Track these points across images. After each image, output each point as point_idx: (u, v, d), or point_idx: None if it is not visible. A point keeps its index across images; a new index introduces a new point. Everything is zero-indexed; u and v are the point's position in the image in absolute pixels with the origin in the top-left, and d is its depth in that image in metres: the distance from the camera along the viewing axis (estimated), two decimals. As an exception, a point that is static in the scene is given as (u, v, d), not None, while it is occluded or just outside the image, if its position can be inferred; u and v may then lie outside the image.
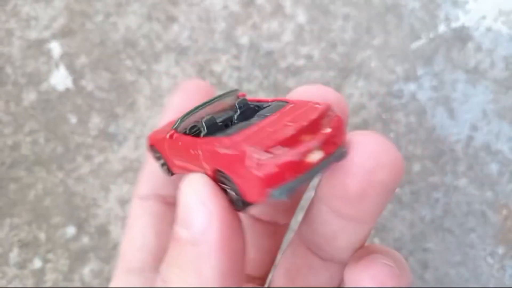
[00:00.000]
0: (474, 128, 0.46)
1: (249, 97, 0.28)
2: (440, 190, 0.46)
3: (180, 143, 0.26)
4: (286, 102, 0.26)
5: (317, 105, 0.24)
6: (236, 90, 0.28)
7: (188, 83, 0.35)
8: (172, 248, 0.24)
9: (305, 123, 0.22)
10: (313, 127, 0.22)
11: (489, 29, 0.47)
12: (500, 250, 0.45)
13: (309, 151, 0.21)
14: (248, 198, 0.22)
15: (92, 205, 0.46)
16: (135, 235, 0.32)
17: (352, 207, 0.25)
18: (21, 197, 0.46)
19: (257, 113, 0.27)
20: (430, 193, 0.46)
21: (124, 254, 0.32)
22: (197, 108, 0.27)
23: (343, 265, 0.29)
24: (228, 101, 0.28)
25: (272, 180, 0.21)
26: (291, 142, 0.21)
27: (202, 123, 0.25)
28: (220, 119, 0.26)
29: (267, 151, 0.21)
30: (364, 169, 0.23)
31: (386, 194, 0.24)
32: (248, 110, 0.27)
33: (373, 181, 0.23)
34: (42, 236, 0.45)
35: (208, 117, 0.25)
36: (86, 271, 0.46)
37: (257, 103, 0.27)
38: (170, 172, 0.29)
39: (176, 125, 0.27)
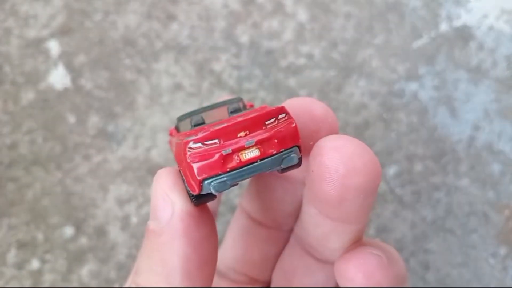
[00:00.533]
0: (476, 127, 0.46)
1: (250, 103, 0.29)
2: (441, 190, 0.46)
3: (175, 139, 0.26)
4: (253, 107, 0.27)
5: (271, 108, 0.24)
6: (239, 98, 0.28)
7: None
8: (144, 239, 0.24)
9: (241, 119, 0.22)
10: (253, 125, 0.22)
11: (491, 28, 0.47)
12: (502, 251, 0.45)
13: (242, 148, 0.21)
14: (190, 189, 0.22)
15: (90, 205, 0.46)
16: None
17: (335, 210, 0.25)
18: (19, 197, 0.45)
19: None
20: (432, 193, 0.46)
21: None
22: (198, 110, 0.27)
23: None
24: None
25: (202, 170, 0.21)
26: (227, 137, 0.22)
27: (190, 122, 0.25)
28: (209, 122, 0.26)
29: (201, 142, 0.21)
30: (338, 174, 0.23)
31: (365, 196, 0.24)
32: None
33: (349, 185, 0.23)
34: (40, 236, 0.45)
35: (196, 118, 0.25)
36: (84, 271, 0.45)
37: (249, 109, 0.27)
38: None
39: (175, 125, 0.27)
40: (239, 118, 0.22)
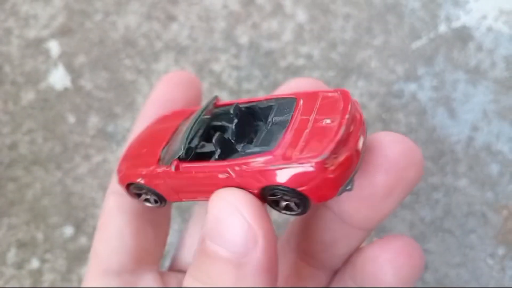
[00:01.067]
0: (474, 128, 0.46)
1: (223, 101, 0.28)
2: (440, 190, 0.46)
3: (194, 171, 0.25)
4: (291, 97, 0.25)
5: (329, 94, 0.25)
6: (215, 97, 0.28)
7: (172, 74, 0.33)
8: (205, 263, 0.23)
9: (342, 117, 0.23)
10: (350, 118, 0.23)
11: (489, 29, 0.47)
12: (500, 251, 0.45)
13: (358, 140, 0.23)
14: (318, 200, 0.22)
15: (90, 205, 0.46)
16: (111, 235, 0.30)
17: (371, 208, 0.25)
18: (19, 197, 0.46)
19: (264, 117, 0.26)
20: (430, 193, 0.46)
21: (99, 254, 0.30)
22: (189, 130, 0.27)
23: (331, 273, 0.30)
24: (208, 110, 0.28)
25: (342, 178, 0.22)
26: (344, 139, 0.22)
27: (214, 144, 0.25)
28: (227, 136, 0.26)
29: (329, 154, 0.22)
30: (397, 166, 0.24)
31: (408, 192, 0.25)
32: (244, 116, 0.26)
33: (403, 178, 0.24)
34: (40, 236, 0.45)
35: (217, 135, 0.25)
36: (84, 271, 0.45)
37: (249, 105, 0.27)
38: (162, 202, 0.28)
39: (177, 154, 0.26)
40: (314, 116, 0.23)
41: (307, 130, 0.23)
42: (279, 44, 0.47)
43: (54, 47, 0.47)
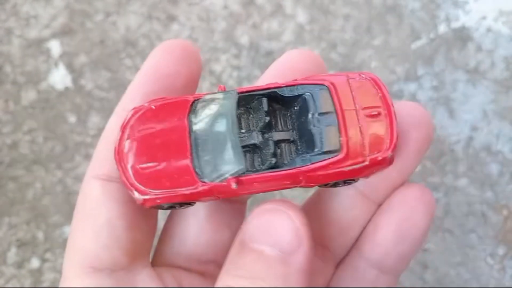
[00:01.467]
0: (474, 128, 0.46)
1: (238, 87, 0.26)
2: (440, 190, 0.46)
3: (258, 182, 0.24)
4: (320, 84, 0.25)
5: (356, 78, 0.25)
6: (236, 92, 0.25)
7: (169, 43, 0.28)
8: (249, 262, 0.24)
9: (387, 108, 0.24)
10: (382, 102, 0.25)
11: (489, 30, 0.47)
12: (501, 251, 0.45)
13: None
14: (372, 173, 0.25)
15: (91, 205, 0.46)
16: (101, 227, 0.26)
17: (397, 172, 0.28)
18: (20, 196, 0.46)
19: (290, 106, 0.25)
20: (430, 193, 0.46)
21: (85, 249, 0.26)
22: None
23: (335, 265, 0.30)
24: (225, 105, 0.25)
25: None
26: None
27: (272, 147, 0.24)
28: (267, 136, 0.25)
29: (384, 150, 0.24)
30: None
31: (420, 153, 0.28)
32: (273, 109, 0.25)
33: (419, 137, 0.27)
34: (40, 235, 0.45)
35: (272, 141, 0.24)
36: (85, 270, 0.45)
37: (271, 92, 0.25)
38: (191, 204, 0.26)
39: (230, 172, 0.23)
40: (359, 112, 0.25)
41: (361, 125, 0.24)
42: (279, 44, 0.47)
43: (55, 47, 0.48)
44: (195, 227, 0.29)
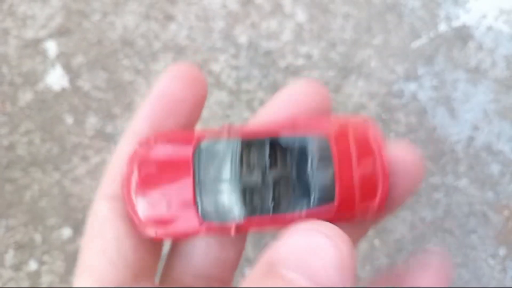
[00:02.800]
0: (475, 128, 0.46)
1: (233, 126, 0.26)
2: (440, 190, 0.46)
3: (255, 226, 0.24)
4: (322, 137, 0.25)
5: (358, 125, 0.25)
6: (240, 141, 0.25)
7: (176, 68, 0.29)
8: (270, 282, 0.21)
9: (382, 162, 0.24)
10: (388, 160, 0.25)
11: (490, 28, 0.47)
12: (502, 252, 0.45)
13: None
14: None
15: (88, 207, 0.45)
16: (108, 246, 0.27)
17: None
18: (17, 198, 0.45)
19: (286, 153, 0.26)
20: (431, 193, 0.45)
21: (93, 266, 0.27)
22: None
23: None
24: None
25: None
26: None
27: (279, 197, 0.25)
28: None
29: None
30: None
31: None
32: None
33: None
34: (38, 237, 0.45)
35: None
36: (83, 273, 0.45)
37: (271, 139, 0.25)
38: None
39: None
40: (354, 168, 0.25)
41: (355, 180, 0.24)
42: (279, 44, 0.47)
43: (51, 47, 0.47)
44: (203, 245, 0.29)
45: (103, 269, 0.26)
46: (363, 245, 0.46)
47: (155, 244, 0.28)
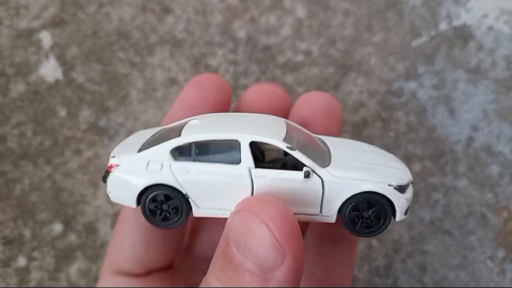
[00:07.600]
0: (474, 128, 0.46)
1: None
2: (440, 191, 0.45)
3: None
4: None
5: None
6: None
7: (202, 77, 0.34)
8: (230, 270, 0.23)
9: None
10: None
11: (490, 28, 0.46)
12: (500, 253, 0.44)
13: None
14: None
15: (80, 202, 0.44)
16: (123, 243, 0.32)
17: None
18: (7, 192, 0.44)
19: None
20: (430, 194, 0.45)
21: (112, 255, 0.33)
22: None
23: None
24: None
25: None
26: None
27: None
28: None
29: None
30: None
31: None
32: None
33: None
34: (27, 233, 0.44)
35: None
36: (73, 270, 0.44)
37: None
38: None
39: None
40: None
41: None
42: (278, 39, 0.46)
43: (45, 38, 0.46)
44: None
45: (118, 260, 0.32)
46: (361, 245, 0.45)
47: (168, 246, 0.33)
